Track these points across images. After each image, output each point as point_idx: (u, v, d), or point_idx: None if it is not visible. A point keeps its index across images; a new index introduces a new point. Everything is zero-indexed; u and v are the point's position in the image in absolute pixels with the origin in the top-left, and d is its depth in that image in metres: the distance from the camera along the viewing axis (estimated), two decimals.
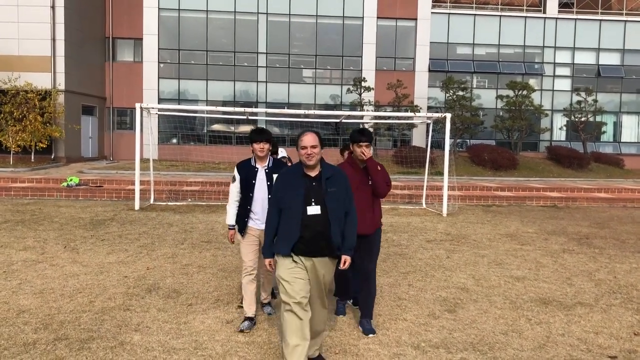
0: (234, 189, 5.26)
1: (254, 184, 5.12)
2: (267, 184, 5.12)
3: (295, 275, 3.97)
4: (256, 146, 5.14)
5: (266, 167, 5.19)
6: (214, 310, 5.53)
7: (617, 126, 29.87)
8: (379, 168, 5.15)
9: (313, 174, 4.05)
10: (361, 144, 5.00)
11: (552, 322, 5.40)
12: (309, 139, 4.03)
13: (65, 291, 6.02)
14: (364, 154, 4.98)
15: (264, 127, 5.16)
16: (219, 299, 5.90)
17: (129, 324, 5.05)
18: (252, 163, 5.23)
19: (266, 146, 5.17)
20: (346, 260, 4.07)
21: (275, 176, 5.03)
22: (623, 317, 5.60)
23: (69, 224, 10.39)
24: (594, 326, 5.31)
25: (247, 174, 5.17)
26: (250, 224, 5.21)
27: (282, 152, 8.62)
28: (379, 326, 5.18)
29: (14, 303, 5.57)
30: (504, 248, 9.15)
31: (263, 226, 5.06)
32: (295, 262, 3.99)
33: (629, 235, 10.71)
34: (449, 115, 13.70)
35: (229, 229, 5.35)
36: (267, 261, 4.17)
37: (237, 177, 5.21)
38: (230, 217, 5.32)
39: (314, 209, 3.93)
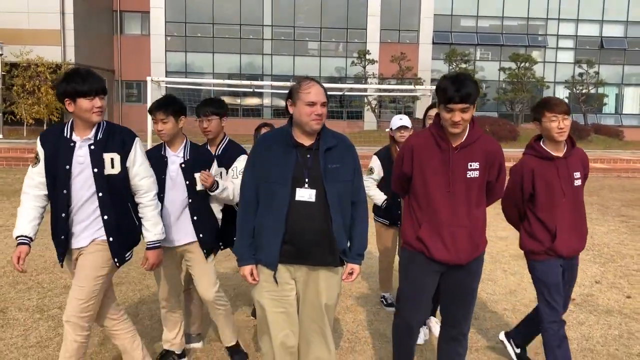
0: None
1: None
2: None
3: (281, 302, 2.86)
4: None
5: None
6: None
7: (619, 98, 30.17)
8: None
9: (308, 142, 2.82)
10: (452, 106, 2.82)
11: (525, 273, 6.00)
12: (319, 92, 2.77)
13: None
14: (457, 123, 2.84)
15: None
16: None
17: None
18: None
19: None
20: (353, 270, 2.92)
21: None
22: (590, 269, 6.24)
23: None
24: None
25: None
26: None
27: (400, 120, 4.70)
28: (356, 283, 5.84)
29: None
30: (494, 212, 9.64)
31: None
32: (282, 278, 2.85)
33: (615, 201, 11.29)
34: None
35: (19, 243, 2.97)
36: (246, 270, 2.86)
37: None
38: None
39: (305, 193, 2.76)
